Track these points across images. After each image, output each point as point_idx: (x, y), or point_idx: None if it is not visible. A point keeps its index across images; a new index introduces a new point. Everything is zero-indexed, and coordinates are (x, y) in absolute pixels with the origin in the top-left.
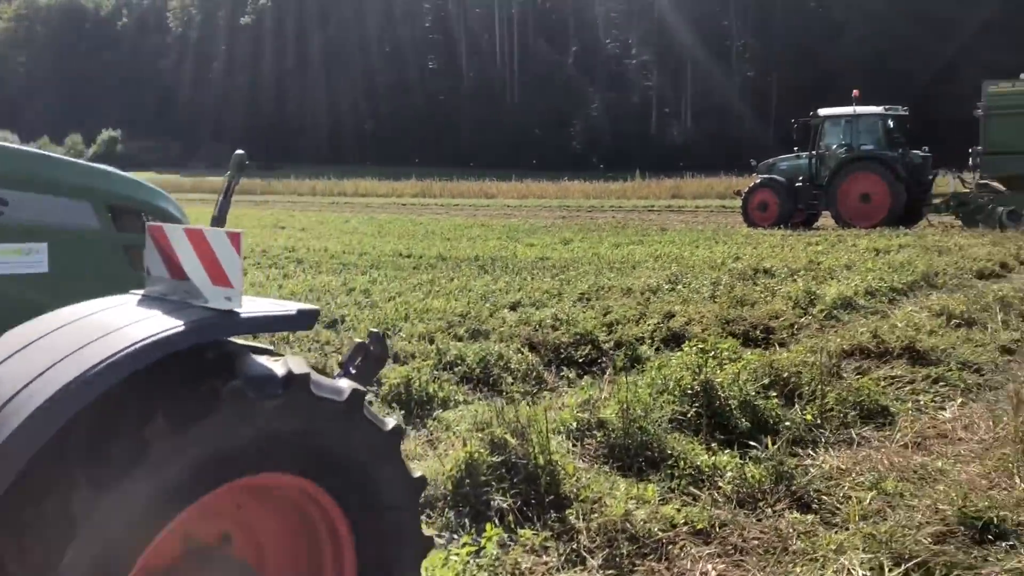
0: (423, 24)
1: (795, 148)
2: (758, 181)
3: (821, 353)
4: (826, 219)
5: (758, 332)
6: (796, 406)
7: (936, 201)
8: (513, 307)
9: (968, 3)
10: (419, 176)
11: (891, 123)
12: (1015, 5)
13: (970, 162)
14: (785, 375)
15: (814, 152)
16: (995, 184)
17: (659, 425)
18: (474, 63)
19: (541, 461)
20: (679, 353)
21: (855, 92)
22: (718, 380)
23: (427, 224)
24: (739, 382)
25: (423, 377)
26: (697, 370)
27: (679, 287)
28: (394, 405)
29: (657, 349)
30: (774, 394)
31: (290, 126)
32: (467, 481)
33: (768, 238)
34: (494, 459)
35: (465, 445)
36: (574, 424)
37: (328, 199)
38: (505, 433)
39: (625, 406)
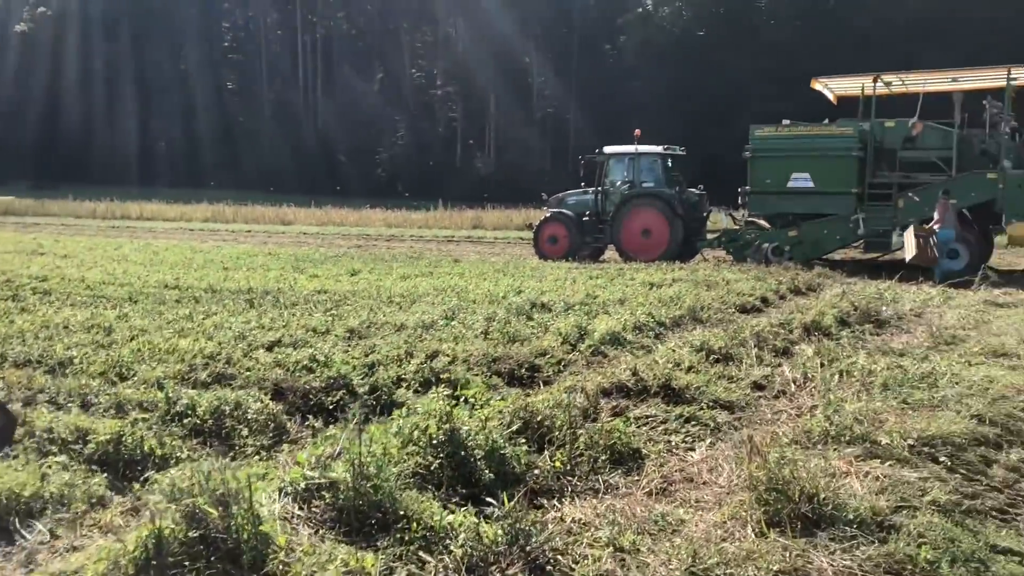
0: (222, 43)
1: (582, 184)
2: (548, 215)
3: (577, 393)
4: (612, 252)
5: (523, 371)
6: (546, 452)
7: (710, 236)
8: (271, 347)
9: (747, 52)
10: (212, 200)
11: (670, 162)
12: (788, 56)
13: (739, 200)
14: (539, 418)
15: (600, 188)
16: (761, 221)
17: (397, 481)
18: (275, 85)
19: (246, 534)
20: (427, 398)
21: (636, 132)
22: (466, 427)
23: (209, 252)
24: (487, 428)
25: (138, 432)
26: (444, 417)
27: (454, 323)
28: (96, 468)
29: (416, 391)
30: (524, 440)
31: (73, 144)
32: (153, 563)
33: (555, 271)
34: (191, 534)
35: (153, 520)
36: (303, 484)
37: (108, 223)
38: (205, 503)
39: (357, 461)
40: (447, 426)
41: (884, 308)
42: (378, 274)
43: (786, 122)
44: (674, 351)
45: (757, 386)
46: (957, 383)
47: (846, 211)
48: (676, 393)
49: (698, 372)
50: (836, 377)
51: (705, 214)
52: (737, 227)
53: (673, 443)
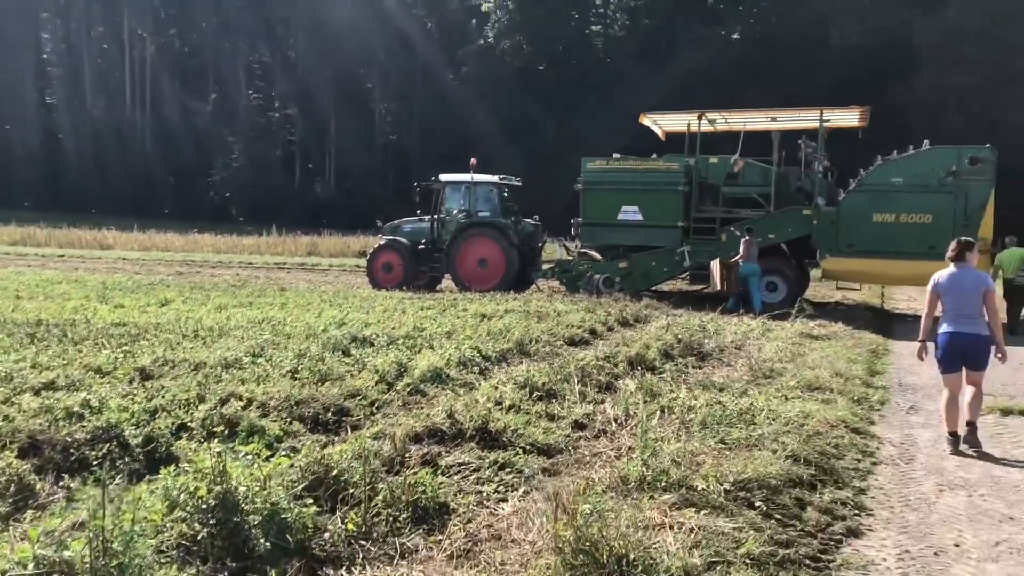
0: (41, 55)
1: (418, 211)
2: (383, 242)
3: (384, 440)
4: (450, 281)
5: (330, 415)
6: (338, 513)
7: (546, 267)
8: (40, 390)
9: (586, 87)
10: (24, 222)
11: (505, 192)
12: (625, 92)
13: (572, 231)
14: (335, 473)
15: (436, 216)
16: (593, 253)
17: (154, 555)
18: (100, 102)
19: None
20: (199, 455)
21: (472, 160)
22: (244, 488)
23: (6, 278)
24: (267, 489)
25: None
26: (217, 477)
27: (261, 360)
28: None
29: (202, 443)
30: (314, 500)
31: None
32: None
33: (386, 301)
34: None
35: None
36: (30, 565)
37: None
38: None
39: (99, 536)
40: (219, 488)
41: (706, 341)
42: (192, 304)
43: (617, 156)
44: (496, 388)
45: (578, 425)
46: (774, 419)
47: (673, 244)
48: (493, 437)
49: (519, 411)
50: (657, 414)
51: (540, 244)
52: (571, 258)
53: (485, 494)
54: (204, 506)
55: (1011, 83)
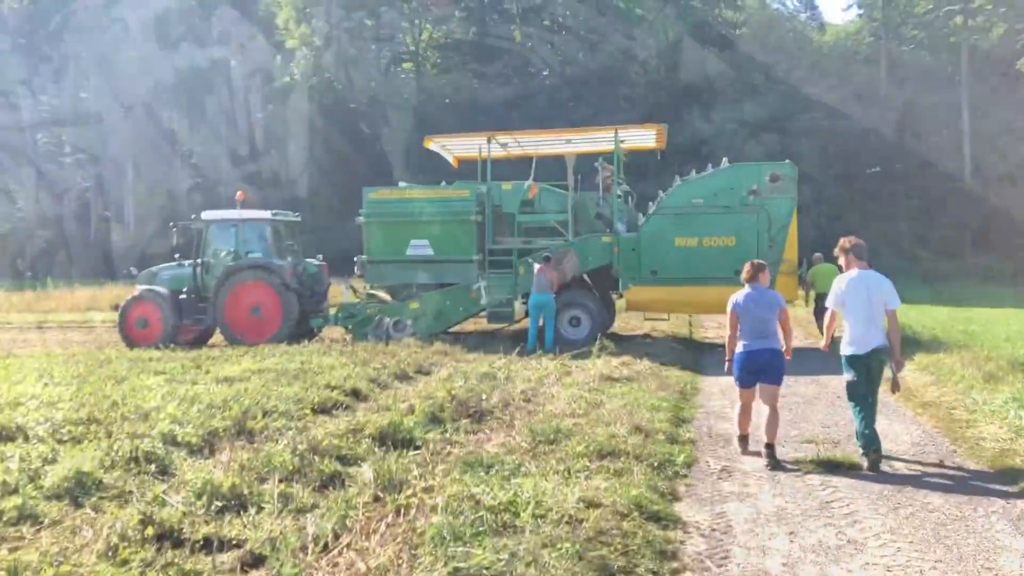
0: None
1: (176, 255)
2: (137, 293)
3: None
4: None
5: None
6: None
7: (332, 312)
8: None
9: (398, 123)
10: None
11: (282, 230)
12: (434, 131)
13: (356, 270)
14: None
15: (199, 260)
16: (381, 294)
17: None
18: None
19: None
20: None
21: (239, 194)
22: None
23: None
24: None
25: None
26: None
27: None
28: None
29: None
30: None
31: None
32: None
33: (121, 366)
34: None
35: None
36: None
37: None
38: None
39: None
40: None
41: (484, 397)
42: None
43: (403, 184)
44: (154, 503)
45: (254, 560)
46: (543, 516)
47: (468, 280)
48: None
49: (174, 539)
50: (388, 519)
51: (325, 287)
52: (357, 300)
53: None
54: None
55: (801, 112)
